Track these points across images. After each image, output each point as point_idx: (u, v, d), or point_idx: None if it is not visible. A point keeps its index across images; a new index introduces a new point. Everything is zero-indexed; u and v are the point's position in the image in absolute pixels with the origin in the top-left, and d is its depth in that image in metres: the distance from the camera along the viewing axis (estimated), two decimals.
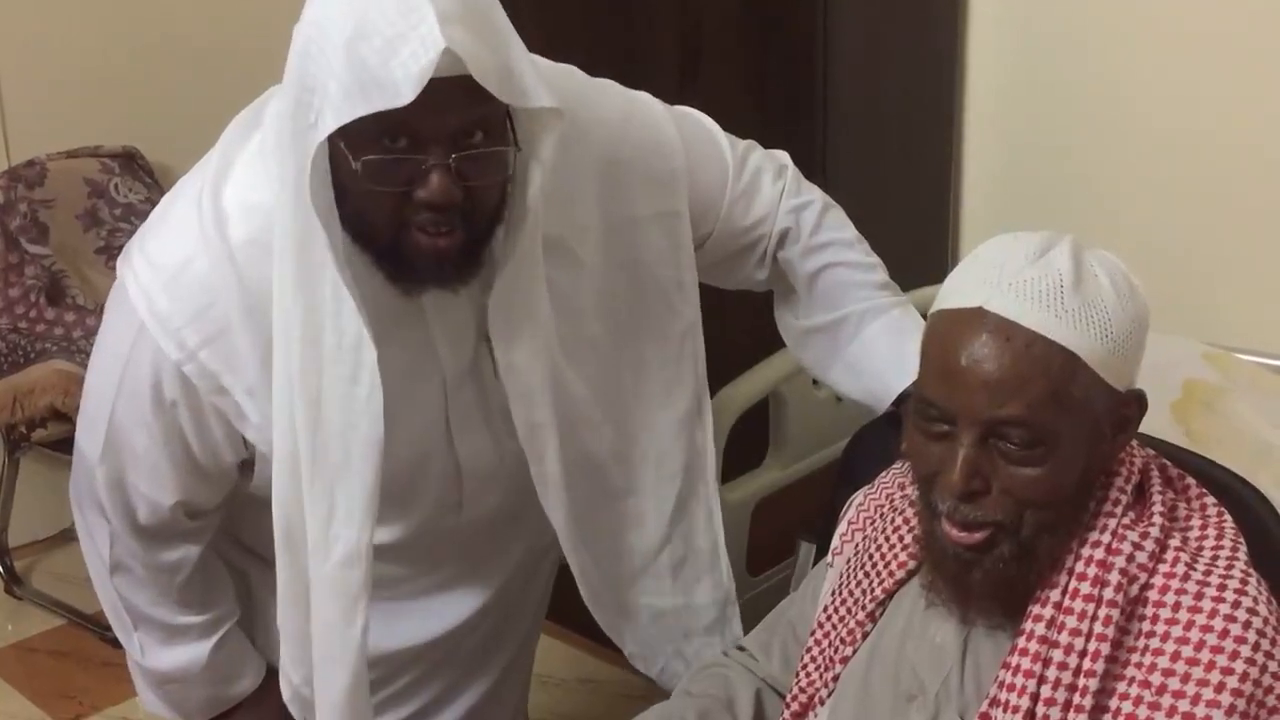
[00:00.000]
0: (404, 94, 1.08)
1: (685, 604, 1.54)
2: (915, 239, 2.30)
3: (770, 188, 1.46)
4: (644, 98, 1.44)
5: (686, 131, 1.43)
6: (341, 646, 1.33)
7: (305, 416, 1.25)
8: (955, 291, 1.06)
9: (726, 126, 1.49)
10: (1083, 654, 1.02)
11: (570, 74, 1.40)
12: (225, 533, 1.50)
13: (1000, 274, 1.03)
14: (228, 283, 1.25)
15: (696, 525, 1.52)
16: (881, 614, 1.19)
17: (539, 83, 1.17)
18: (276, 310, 1.23)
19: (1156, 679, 1.00)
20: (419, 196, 1.15)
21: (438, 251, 1.19)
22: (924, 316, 1.47)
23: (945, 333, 1.05)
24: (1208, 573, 1.04)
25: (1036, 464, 1.02)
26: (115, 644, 2.51)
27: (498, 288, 1.26)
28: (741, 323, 1.72)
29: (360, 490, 1.28)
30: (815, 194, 1.50)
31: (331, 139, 1.14)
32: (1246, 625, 1.00)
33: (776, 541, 1.86)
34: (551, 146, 1.21)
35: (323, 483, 1.28)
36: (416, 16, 1.09)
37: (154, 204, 3.08)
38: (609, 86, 1.42)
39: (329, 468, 1.27)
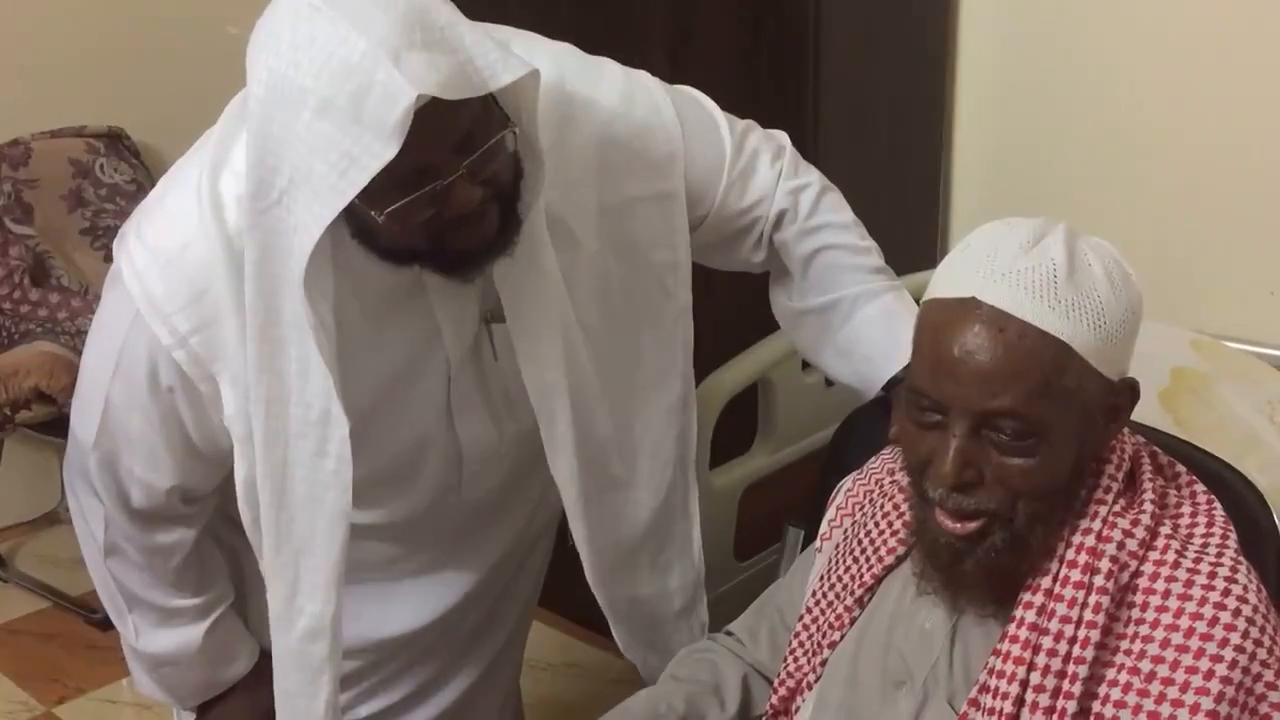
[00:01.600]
0: (390, 149, 1.07)
1: (660, 591, 1.54)
2: (905, 224, 2.30)
3: (768, 169, 1.45)
4: (642, 76, 1.42)
5: (685, 111, 1.41)
6: (306, 717, 1.35)
7: (269, 486, 1.26)
8: (947, 280, 1.05)
9: None
10: (1073, 641, 1.02)
11: (568, 52, 1.39)
12: (220, 512, 1.50)
13: (993, 263, 1.02)
14: (222, 270, 1.24)
15: (675, 513, 1.52)
16: (870, 599, 1.18)
17: (501, 56, 1.14)
18: (250, 381, 1.24)
19: (1146, 666, 1.01)
20: (449, 213, 1.16)
21: (483, 236, 1.20)
22: (916, 302, 1.47)
23: (937, 323, 1.04)
24: (1198, 560, 1.04)
25: (1028, 454, 1.01)
26: (101, 627, 2.54)
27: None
28: (731, 307, 1.71)
29: (325, 563, 1.28)
30: (813, 175, 1.48)
31: None
32: (1236, 613, 1.00)
33: (764, 527, 1.86)
34: (538, 99, 1.20)
35: (287, 552, 1.29)
36: (370, 61, 1.07)
37: (139, 184, 3.05)
38: (607, 65, 1.41)
39: (294, 539, 1.28)
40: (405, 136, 1.07)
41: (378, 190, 1.11)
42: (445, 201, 1.15)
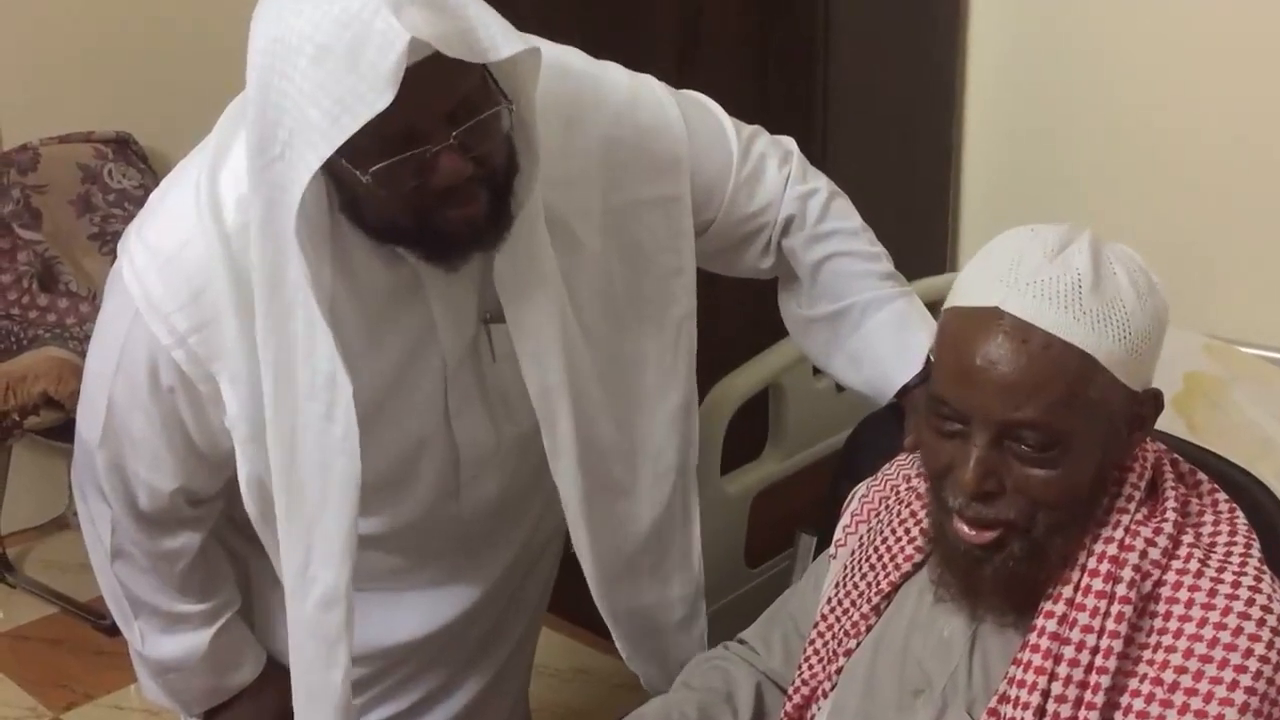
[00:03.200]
0: (384, 97, 1.07)
1: (660, 600, 1.53)
2: (915, 229, 2.29)
3: (775, 174, 1.44)
4: (648, 80, 1.42)
5: (691, 115, 1.41)
6: (323, 690, 1.34)
7: (279, 455, 1.25)
8: (970, 288, 1.04)
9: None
10: (1095, 651, 1.01)
11: (573, 56, 1.38)
12: (225, 517, 1.49)
13: (1017, 272, 1.01)
14: (221, 269, 1.24)
15: (676, 521, 1.51)
16: (887, 607, 1.18)
17: (504, 30, 1.14)
18: (259, 344, 1.23)
19: (1169, 676, 1.00)
20: (435, 183, 1.15)
21: (469, 220, 1.19)
22: (927, 308, 1.46)
23: (960, 332, 1.03)
24: (1221, 569, 1.03)
25: (1051, 465, 1.00)
26: (108, 632, 2.53)
27: (506, 245, 1.25)
28: (739, 313, 1.71)
29: (337, 530, 1.27)
30: (821, 181, 1.48)
31: (332, 158, 1.12)
32: (1261, 622, 0.99)
33: (775, 534, 1.85)
34: (537, 85, 1.19)
35: (299, 522, 1.28)
36: (369, 11, 1.07)
37: (148, 190, 3.06)
38: (612, 69, 1.41)
39: (305, 506, 1.27)
40: (399, 87, 1.06)
41: (366, 149, 1.10)
42: (433, 169, 1.14)
